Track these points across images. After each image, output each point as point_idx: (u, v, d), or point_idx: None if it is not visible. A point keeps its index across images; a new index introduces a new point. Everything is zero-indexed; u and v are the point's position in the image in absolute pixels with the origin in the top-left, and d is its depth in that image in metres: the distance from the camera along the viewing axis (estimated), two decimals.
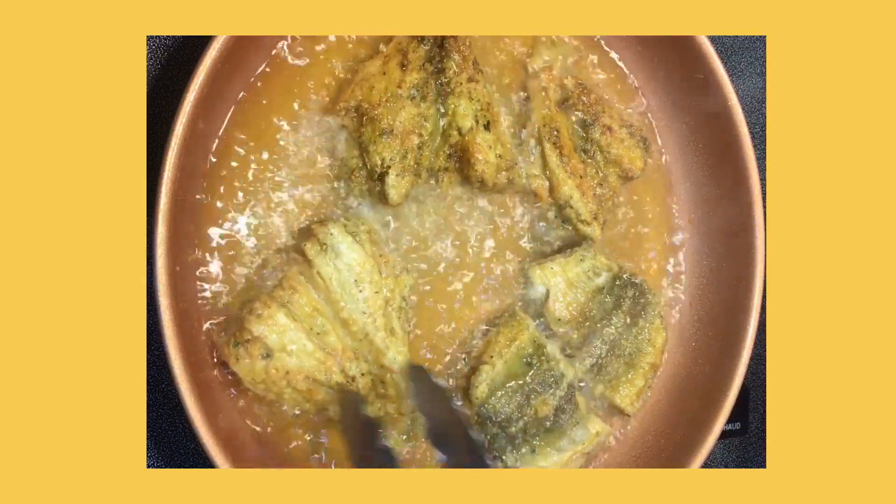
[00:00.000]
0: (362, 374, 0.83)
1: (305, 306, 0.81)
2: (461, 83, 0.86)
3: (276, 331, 0.79)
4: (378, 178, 0.84)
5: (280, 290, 0.81)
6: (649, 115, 1.03)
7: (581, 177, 0.92)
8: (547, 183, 0.92)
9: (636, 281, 0.94)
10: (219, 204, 0.85)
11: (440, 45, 0.86)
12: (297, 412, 0.85)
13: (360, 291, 0.82)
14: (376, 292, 0.83)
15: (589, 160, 0.94)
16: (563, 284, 0.92)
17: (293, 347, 0.79)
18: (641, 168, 0.96)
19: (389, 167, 0.83)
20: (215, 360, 0.83)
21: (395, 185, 0.83)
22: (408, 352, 0.86)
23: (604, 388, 0.93)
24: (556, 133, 0.91)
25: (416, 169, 0.86)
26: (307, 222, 0.87)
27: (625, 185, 0.99)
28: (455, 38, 0.86)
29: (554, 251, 0.95)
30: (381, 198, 0.85)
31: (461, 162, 0.87)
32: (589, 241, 0.95)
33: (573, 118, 0.93)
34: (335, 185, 0.88)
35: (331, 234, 0.82)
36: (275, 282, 0.83)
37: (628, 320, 0.93)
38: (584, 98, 0.93)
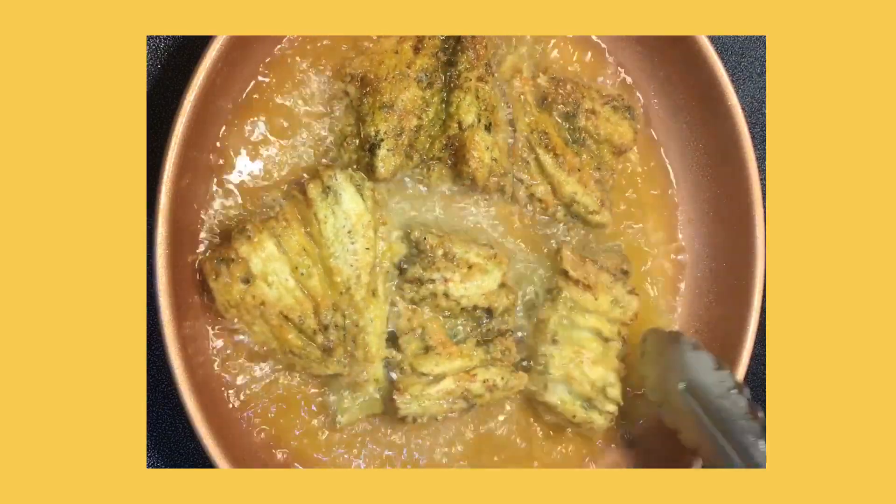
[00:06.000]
0: (336, 327, 0.82)
1: (295, 243, 0.80)
2: (470, 79, 0.86)
3: (261, 257, 0.79)
4: (369, 150, 0.84)
5: (274, 221, 0.81)
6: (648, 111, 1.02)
7: (579, 169, 0.92)
8: (549, 187, 0.92)
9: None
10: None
11: (457, 39, 0.87)
12: (258, 348, 0.84)
13: (352, 243, 0.81)
14: (367, 248, 0.82)
15: (581, 148, 0.94)
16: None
17: (274, 279, 0.79)
18: (633, 138, 0.96)
19: (382, 140, 0.83)
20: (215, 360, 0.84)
21: (385, 160, 0.83)
22: (386, 318, 0.85)
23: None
24: (544, 135, 0.91)
25: (409, 151, 0.86)
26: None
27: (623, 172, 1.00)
28: (473, 36, 0.87)
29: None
30: (369, 170, 0.84)
31: (456, 156, 0.87)
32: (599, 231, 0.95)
33: (556, 113, 0.93)
34: (327, 149, 0.88)
35: (335, 178, 0.81)
36: (272, 213, 0.83)
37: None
38: (561, 90, 0.93)
